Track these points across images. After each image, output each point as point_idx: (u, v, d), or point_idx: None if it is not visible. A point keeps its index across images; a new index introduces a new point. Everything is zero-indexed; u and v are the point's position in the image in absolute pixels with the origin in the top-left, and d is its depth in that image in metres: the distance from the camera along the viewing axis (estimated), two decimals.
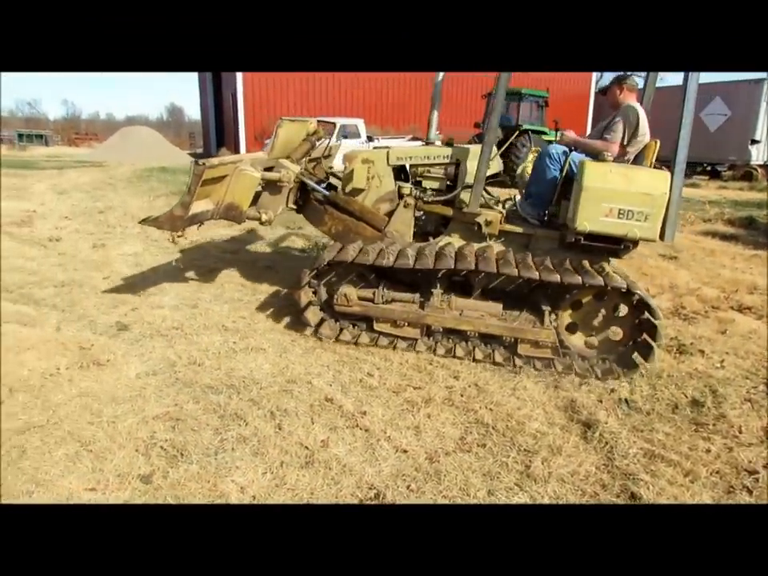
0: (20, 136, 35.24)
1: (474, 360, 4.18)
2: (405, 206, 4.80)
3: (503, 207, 4.73)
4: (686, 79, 3.99)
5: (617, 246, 4.21)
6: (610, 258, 4.43)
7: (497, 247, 4.62)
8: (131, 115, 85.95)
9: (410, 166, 5.00)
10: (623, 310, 4.24)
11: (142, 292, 5.39)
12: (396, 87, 26.13)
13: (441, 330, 4.30)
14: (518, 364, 4.12)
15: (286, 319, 4.79)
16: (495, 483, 2.82)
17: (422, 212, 4.98)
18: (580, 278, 3.95)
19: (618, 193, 3.98)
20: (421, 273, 4.23)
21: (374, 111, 25.72)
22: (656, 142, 4.42)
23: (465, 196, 4.57)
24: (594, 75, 29.87)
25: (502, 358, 4.18)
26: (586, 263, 4.25)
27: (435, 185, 4.95)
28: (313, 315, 4.45)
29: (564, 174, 4.46)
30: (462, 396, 3.68)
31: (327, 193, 4.94)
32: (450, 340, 4.35)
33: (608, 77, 5.04)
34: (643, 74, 5.03)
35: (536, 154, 4.98)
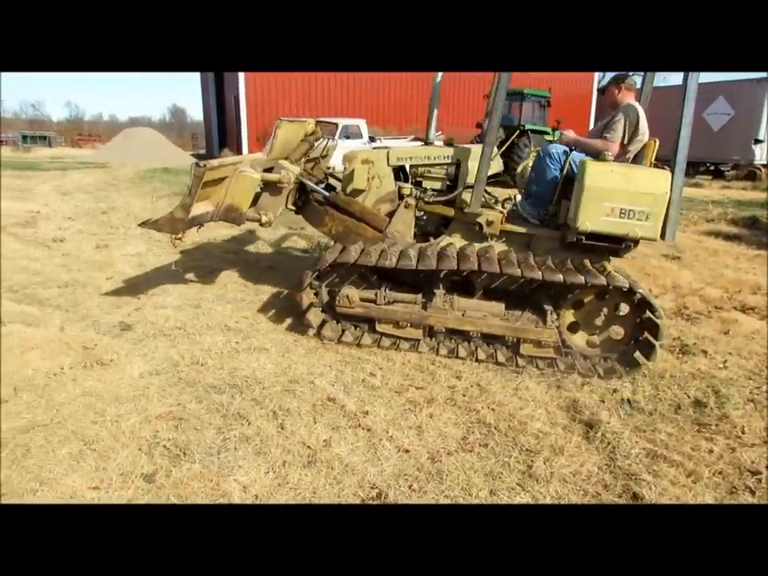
0: (24, 137, 35.32)
1: (477, 360, 4.19)
2: (406, 207, 4.78)
3: (503, 207, 4.73)
4: (685, 79, 4.00)
5: (618, 245, 4.21)
6: (611, 258, 4.44)
7: (498, 247, 4.62)
8: (134, 116, 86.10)
9: (410, 166, 4.98)
10: (625, 309, 4.25)
11: (145, 292, 5.40)
12: (398, 87, 26.13)
13: (443, 330, 4.29)
14: (521, 364, 4.13)
15: (289, 319, 4.79)
16: (497, 483, 2.82)
17: (422, 212, 4.97)
18: (583, 277, 3.96)
19: (619, 192, 3.99)
20: (423, 273, 4.23)
21: (376, 111, 25.72)
22: (655, 141, 4.43)
23: (466, 196, 4.57)
24: (597, 75, 29.82)
25: (505, 358, 4.19)
26: (587, 263, 4.26)
27: (436, 185, 4.94)
28: (314, 317, 4.43)
29: (564, 174, 4.47)
30: (464, 396, 3.69)
31: (327, 194, 4.91)
32: (453, 340, 4.34)
33: (610, 77, 5.02)
34: (642, 73, 5.02)
35: (536, 154, 4.98)
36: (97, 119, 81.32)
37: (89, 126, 64.80)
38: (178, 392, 3.57)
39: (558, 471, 2.90)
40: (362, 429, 3.26)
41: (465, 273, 4.20)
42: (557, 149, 4.57)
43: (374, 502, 2.64)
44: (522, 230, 4.59)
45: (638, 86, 4.84)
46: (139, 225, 4.21)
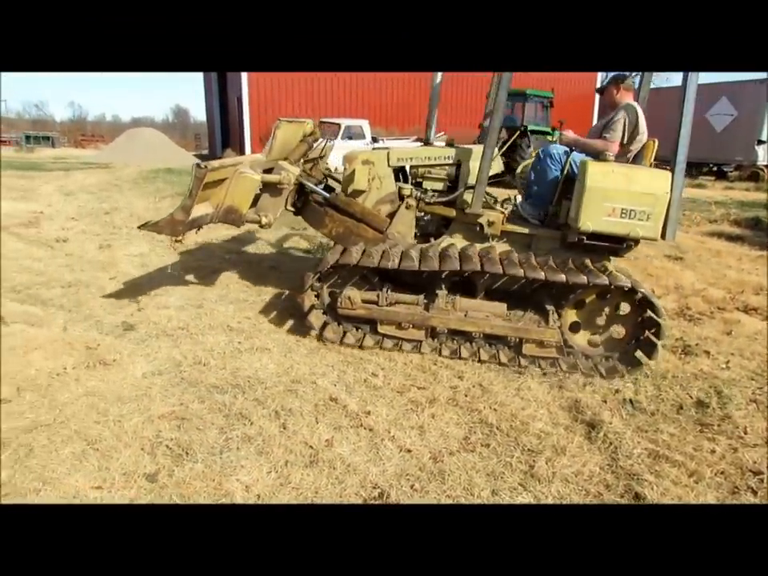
0: (27, 138, 35.39)
1: (480, 361, 4.19)
2: (407, 208, 4.76)
3: (502, 208, 4.72)
4: (685, 79, 4.00)
5: (618, 245, 4.23)
6: (611, 258, 4.45)
7: (499, 247, 4.62)
8: (137, 117, 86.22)
9: (411, 167, 4.96)
10: (627, 308, 4.26)
11: (147, 292, 5.41)
12: (401, 88, 26.10)
13: (445, 331, 4.29)
14: (523, 364, 4.13)
15: (291, 319, 4.80)
16: (499, 483, 2.82)
17: (422, 213, 4.96)
18: (585, 277, 3.97)
19: (620, 192, 4.00)
20: (425, 274, 4.23)
21: (379, 112, 25.71)
22: (654, 142, 4.44)
23: (467, 197, 4.56)
24: (600, 75, 29.77)
25: (507, 359, 4.19)
26: (588, 263, 4.27)
27: (436, 186, 4.92)
28: (316, 319, 4.41)
29: (565, 174, 4.47)
30: (466, 396, 3.69)
31: (327, 195, 4.88)
32: (455, 341, 4.34)
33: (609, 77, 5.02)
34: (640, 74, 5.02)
35: (536, 155, 4.97)
36: (100, 119, 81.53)
37: (92, 126, 64.88)
38: (181, 392, 3.58)
39: (560, 471, 2.91)
40: (364, 429, 3.26)
41: (467, 273, 4.19)
42: (557, 149, 4.58)
43: (376, 502, 2.64)
44: (523, 230, 4.59)
45: (636, 86, 4.85)
46: (139, 227, 4.16)
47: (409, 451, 3.05)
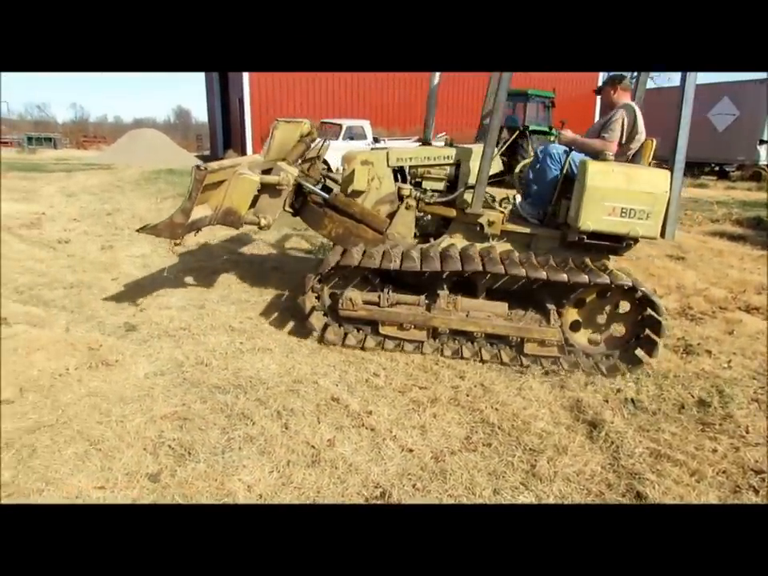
0: (29, 139, 35.42)
1: (482, 361, 4.20)
2: (407, 208, 4.75)
3: (502, 207, 4.72)
4: (683, 79, 4.01)
5: (618, 244, 4.24)
6: (610, 256, 4.47)
7: (499, 247, 4.62)
8: (139, 118, 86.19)
9: (410, 167, 4.93)
10: (627, 307, 4.27)
11: (149, 293, 5.42)
12: (402, 88, 26.10)
13: (447, 331, 4.29)
14: (525, 363, 4.14)
15: (293, 320, 4.80)
16: (501, 482, 2.83)
17: (421, 213, 4.94)
18: (586, 276, 3.98)
19: (620, 192, 4.01)
20: (426, 275, 4.22)
21: (380, 112, 25.71)
22: (652, 141, 4.47)
23: (467, 197, 4.56)
24: (601, 75, 29.76)
25: (509, 358, 4.20)
26: (588, 261, 4.29)
27: (436, 186, 4.89)
28: (317, 321, 4.39)
29: (564, 174, 4.48)
30: (467, 396, 3.69)
31: (326, 195, 4.85)
32: (456, 341, 4.34)
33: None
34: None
35: (534, 154, 4.98)
36: (102, 121, 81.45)
37: (94, 127, 64.79)
38: (183, 392, 3.59)
39: (562, 470, 2.91)
40: (366, 428, 3.27)
41: (468, 274, 4.20)
42: (557, 149, 4.58)
43: (378, 502, 2.65)
44: (523, 229, 4.60)
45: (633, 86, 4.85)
46: (137, 230, 4.12)
47: (410, 451, 3.06)
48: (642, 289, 4.01)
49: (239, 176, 4.28)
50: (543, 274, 4.03)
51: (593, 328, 4.37)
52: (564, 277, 4.00)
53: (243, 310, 5.09)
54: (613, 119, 4.43)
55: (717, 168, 23.06)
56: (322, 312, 4.45)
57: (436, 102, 5.18)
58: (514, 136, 13.00)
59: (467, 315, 4.22)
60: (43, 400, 3.39)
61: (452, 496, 2.71)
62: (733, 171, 22.35)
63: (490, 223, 4.57)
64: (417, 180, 4.95)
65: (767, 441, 3.25)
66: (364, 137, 18.78)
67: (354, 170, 4.72)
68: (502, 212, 4.60)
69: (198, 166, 3.88)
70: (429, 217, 5.04)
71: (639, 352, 4.17)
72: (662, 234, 4.16)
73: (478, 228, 4.60)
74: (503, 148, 5.04)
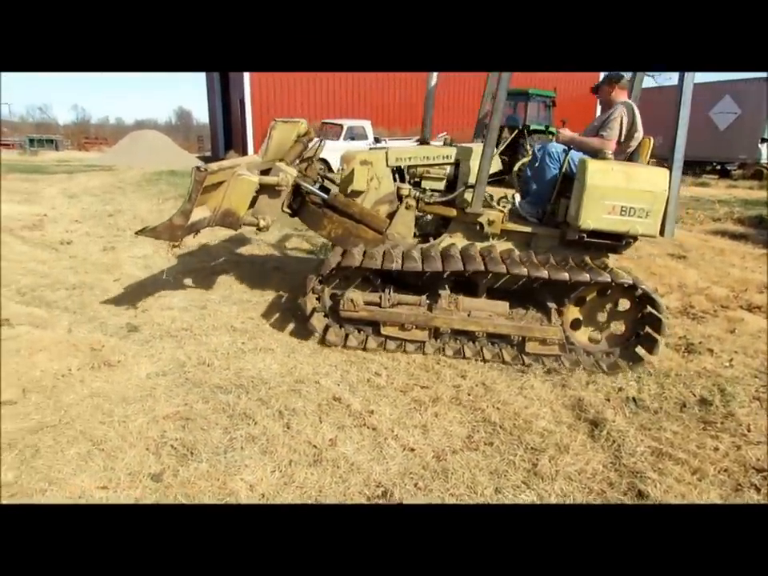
0: (31, 141, 35.49)
1: (484, 360, 4.20)
2: (406, 208, 4.73)
3: (500, 206, 4.70)
4: (681, 79, 4.03)
5: (618, 242, 4.26)
6: (609, 254, 4.49)
7: (499, 246, 4.63)
8: (140, 119, 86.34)
9: (408, 166, 4.90)
10: (627, 305, 4.29)
11: (151, 294, 5.43)
12: (403, 88, 26.11)
13: (449, 331, 4.29)
14: (527, 362, 4.15)
15: (294, 320, 4.81)
16: (502, 481, 2.83)
17: (421, 213, 4.92)
18: (587, 275, 3.99)
19: (620, 190, 4.03)
20: (427, 275, 4.22)
21: (382, 112, 25.74)
22: (650, 139, 4.49)
23: (467, 196, 4.55)
24: (602, 75, 29.74)
25: (511, 357, 4.20)
26: (588, 260, 4.31)
27: (435, 185, 4.87)
28: (318, 322, 4.37)
29: (563, 172, 4.48)
30: (469, 395, 3.70)
31: (325, 196, 4.80)
32: (458, 341, 4.34)
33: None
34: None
35: (532, 153, 4.98)
36: (103, 122, 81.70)
37: (95, 129, 64.92)
38: (185, 392, 3.59)
39: (564, 469, 2.91)
40: (368, 428, 3.27)
41: (469, 273, 4.19)
42: (556, 147, 4.58)
43: (380, 501, 2.65)
44: (522, 228, 4.61)
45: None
46: (136, 233, 4.07)
47: (412, 450, 3.06)
48: (643, 287, 4.02)
49: (238, 177, 4.24)
50: (545, 273, 4.03)
51: (593, 326, 4.39)
52: (565, 275, 4.01)
53: (245, 310, 5.10)
54: (611, 118, 4.44)
55: (718, 167, 23.06)
56: (323, 313, 4.44)
57: (434, 102, 5.18)
58: (513, 135, 13.03)
59: (469, 315, 4.23)
60: (46, 400, 3.40)
61: (454, 495, 2.71)
62: (734, 170, 22.34)
63: (490, 222, 4.57)
64: (415, 180, 4.93)
65: None
66: (365, 137, 18.79)
67: (353, 170, 4.71)
68: (502, 211, 4.60)
69: (197, 167, 3.84)
70: (429, 216, 5.03)
71: (640, 350, 4.18)
72: (662, 233, 4.18)
73: (478, 227, 4.60)
74: (502, 147, 5.03)
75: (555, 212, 4.54)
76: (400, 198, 4.78)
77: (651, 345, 4.10)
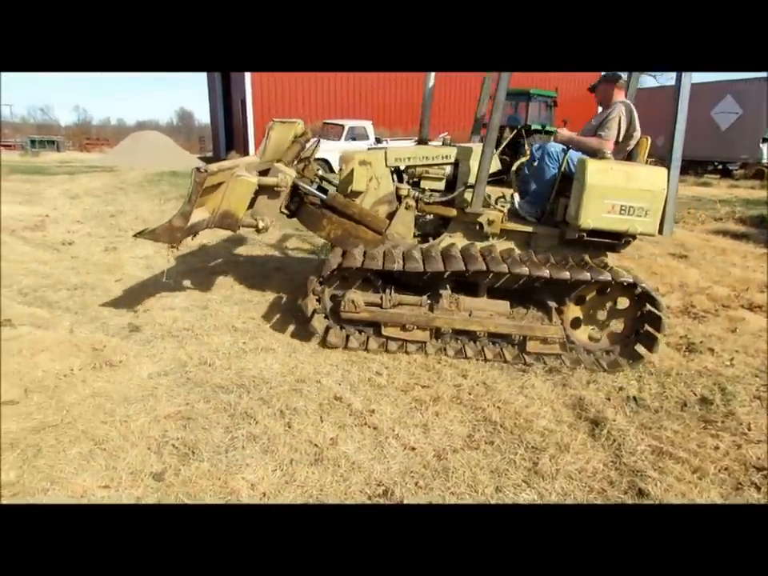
0: (32, 142, 35.49)
1: (485, 360, 4.20)
2: (406, 208, 4.71)
3: (496, 205, 4.69)
4: (678, 79, 4.05)
5: (617, 241, 4.28)
6: (608, 253, 4.51)
7: (499, 246, 4.63)
8: (141, 120, 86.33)
9: (407, 166, 4.87)
10: (627, 303, 4.32)
11: (153, 294, 5.44)
12: (404, 88, 26.11)
13: (450, 331, 4.29)
14: (529, 361, 4.16)
15: (295, 320, 4.81)
16: (503, 480, 2.84)
17: (420, 213, 4.90)
18: (588, 274, 4.01)
19: (619, 189, 4.05)
20: (427, 275, 4.22)
21: (383, 112, 25.75)
22: (647, 138, 4.52)
23: (467, 196, 4.54)
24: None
25: (512, 356, 4.21)
26: (587, 259, 4.34)
27: (434, 185, 4.84)
28: (319, 324, 4.36)
29: (561, 172, 4.49)
30: (469, 394, 3.71)
31: (324, 197, 4.77)
32: (459, 341, 4.34)
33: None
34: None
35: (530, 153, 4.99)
36: (105, 123, 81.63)
37: (97, 130, 64.87)
38: (186, 392, 3.60)
39: (564, 468, 2.92)
40: (369, 427, 3.28)
41: (470, 273, 4.19)
42: (555, 147, 4.59)
43: (381, 500, 2.66)
44: (522, 228, 4.61)
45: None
46: (134, 235, 3.99)
47: (413, 449, 3.07)
48: (643, 285, 4.05)
49: (237, 178, 4.20)
50: (546, 273, 4.04)
51: (593, 325, 4.41)
52: (567, 275, 4.02)
53: (246, 310, 5.11)
54: (609, 117, 4.45)
55: (720, 166, 23.04)
56: (323, 315, 4.42)
57: (433, 102, 5.18)
58: (512, 135, 13.02)
59: (470, 315, 4.23)
60: (48, 400, 3.41)
61: (454, 494, 2.72)
62: (736, 170, 22.31)
63: (490, 222, 4.57)
64: (414, 180, 4.90)
65: None
66: (366, 137, 18.78)
67: (352, 171, 4.68)
68: (502, 211, 4.60)
69: (197, 168, 3.78)
70: (428, 217, 5.03)
71: (640, 347, 4.21)
72: (660, 231, 4.21)
73: (478, 227, 4.60)
74: (501, 147, 5.02)
75: (554, 211, 4.55)
76: (399, 198, 4.77)
77: (651, 343, 4.12)
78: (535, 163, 4.72)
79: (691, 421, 3.44)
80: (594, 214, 4.06)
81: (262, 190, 4.49)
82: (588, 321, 4.41)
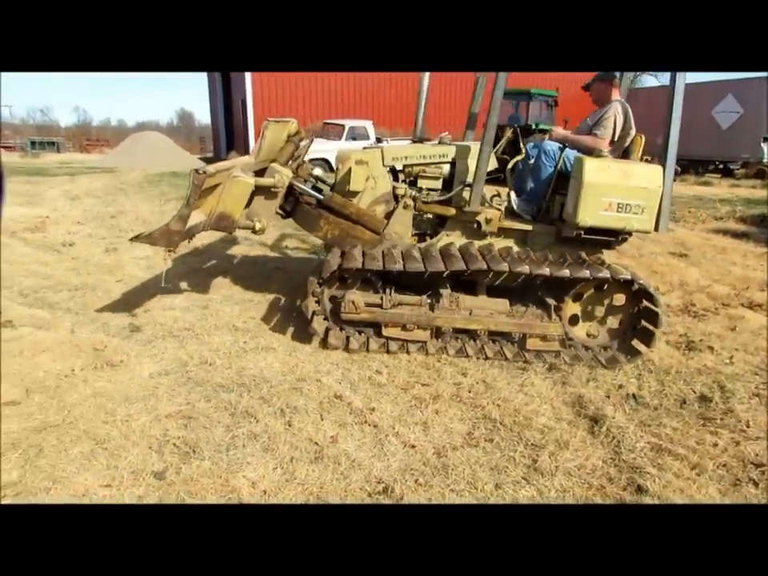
0: (32, 143, 35.49)
1: (486, 358, 4.22)
2: (404, 207, 4.69)
3: (491, 204, 4.68)
4: (673, 78, 4.09)
5: (613, 238, 4.33)
6: (603, 250, 4.55)
7: (497, 244, 4.64)
8: (141, 121, 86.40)
9: (404, 165, 4.85)
10: (624, 299, 4.35)
11: (153, 294, 5.45)
12: (404, 88, 26.11)
13: (450, 330, 4.30)
14: (529, 359, 4.18)
15: (296, 319, 4.83)
16: (502, 477, 2.85)
17: (418, 212, 4.87)
18: (587, 271, 4.03)
19: (616, 187, 4.09)
20: (427, 274, 4.21)
21: (383, 112, 25.75)
22: (641, 137, 4.56)
23: (465, 195, 4.55)
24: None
25: (512, 354, 4.22)
26: (584, 256, 4.38)
27: (431, 184, 4.81)
28: (320, 325, 4.34)
29: (557, 170, 4.51)
30: (469, 392, 3.72)
31: (321, 197, 4.73)
32: (459, 340, 4.35)
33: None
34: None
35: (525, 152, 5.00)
36: (105, 124, 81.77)
37: (97, 131, 64.92)
38: (187, 391, 3.62)
39: (563, 465, 2.93)
40: (369, 425, 3.29)
41: (470, 272, 4.20)
42: (551, 146, 4.60)
43: (381, 497, 2.67)
44: (519, 226, 4.63)
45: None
46: (131, 239, 3.91)
47: (413, 447, 3.08)
48: (640, 281, 4.09)
49: (234, 179, 4.14)
50: (546, 271, 4.06)
51: (591, 321, 4.44)
52: (566, 272, 4.04)
53: (246, 309, 5.12)
54: (605, 116, 4.47)
55: (721, 166, 23.02)
56: (322, 316, 4.40)
57: (427, 101, 5.20)
58: (508, 134, 13.06)
59: (470, 313, 4.24)
60: (49, 401, 3.42)
61: (454, 491, 2.73)
62: (737, 169, 22.29)
63: (488, 221, 4.58)
64: (411, 179, 4.88)
65: (767, 435, 3.27)
66: (367, 137, 18.80)
67: (349, 170, 4.66)
68: (499, 209, 4.61)
69: (196, 170, 3.72)
70: (426, 216, 5.02)
71: (636, 343, 4.25)
72: (656, 228, 4.27)
73: (476, 226, 4.61)
74: (499, 146, 5.03)
75: (550, 209, 4.57)
76: (396, 197, 4.76)
77: (648, 338, 4.16)
78: (531, 161, 4.74)
79: (690, 418, 3.46)
80: (591, 211, 4.09)
81: (258, 190, 4.45)
82: (586, 318, 4.44)
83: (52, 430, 3.12)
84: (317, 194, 4.76)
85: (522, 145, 4.91)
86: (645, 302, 4.14)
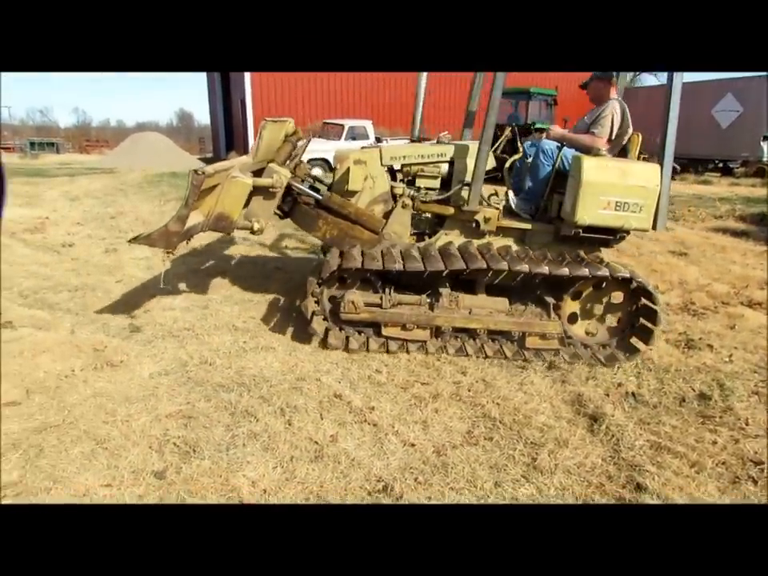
0: (32, 144, 35.46)
1: (486, 357, 4.22)
2: (403, 207, 4.69)
3: (489, 203, 4.67)
4: (670, 78, 4.11)
5: (611, 236, 4.34)
6: (601, 248, 4.56)
7: (495, 243, 4.64)
8: (141, 121, 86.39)
9: (402, 165, 4.84)
10: (623, 297, 4.37)
11: (153, 294, 5.45)
12: (404, 88, 26.08)
13: (450, 329, 4.30)
14: (528, 357, 4.19)
15: (295, 318, 4.83)
16: (502, 475, 2.86)
17: (416, 212, 4.87)
18: (587, 270, 4.04)
19: (614, 186, 4.10)
20: (426, 274, 4.20)
21: (383, 112, 25.75)
22: (638, 135, 4.57)
23: (463, 194, 4.55)
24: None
25: (511, 353, 4.23)
26: (582, 254, 4.39)
27: (429, 183, 4.81)
28: (319, 326, 4.34)
29: (555, 169, 4.52)
30: (469, 391, 3.72)
31: (319, 197, 4.70)
32: (459, 339, 4.36)
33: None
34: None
35: (523, 150, 5.01)
36: (104, 125, 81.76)
37: (96, 131, 64.90)
38: (187, 391, 3.62)
39: (563, 463, 2.94)
40: (369, 424, 3.30)
41: (469, 271, 4.20)
42: (549, 145, 4.61)
43: (381, 497, 2.67)
44: (517, 225, 4.63)
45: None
46: (129, 241, 3.87)
47: (412, 445, 3.09)
48: (638, 279, 4.10)
49: (232, 179, 4.11)
50: (545, 269, 4.07)
51: (590, 319, 4.45)
52: (566, 271, 4.05)
53: (246, 309, 5.12)
54: (603, 115, 4.48)
55: (721, 164, 23.01)
56: (322, 317, 4.40)
57: (425, 101, 5.21)
58: (506, 133, 13.06)
59: (470, 312, 4.25)
60: (49, 401, 3.42)
61: (454, 489, 2.74)
62: (737, 168, 22.28)
63: (486, 220, 4.58)
64: (409, 178, 4.87)
65: (766, 432, 3.28)
66: (366, 137, 18.79)
67: (347, 170, 4.66)
68: (497, 208, 4.62)
69: (195, 170, 3.68)
70: (426, 215, 5.02)
71: (635, 341, 4.27)
72: (654, 226, 4.28)
73: (474, 225, 4.62)
74: (498, 145, 5.05)
75: (548, 208, 4.59)
76: (394, 197, 4.76)
77: (647, 336, 4.18)
78: (529, 160, 4.74)
79: (689, 416, 3.46)
80: (590, 210, 4.10)
81: (256, 191, 4.42)
82: (585, 316, 4.45)
83: (52, 431, 3.12)
84: (315, 195, 4.74)
85: (519, 144, 4.93)
86: (643, 300, 4.16)
